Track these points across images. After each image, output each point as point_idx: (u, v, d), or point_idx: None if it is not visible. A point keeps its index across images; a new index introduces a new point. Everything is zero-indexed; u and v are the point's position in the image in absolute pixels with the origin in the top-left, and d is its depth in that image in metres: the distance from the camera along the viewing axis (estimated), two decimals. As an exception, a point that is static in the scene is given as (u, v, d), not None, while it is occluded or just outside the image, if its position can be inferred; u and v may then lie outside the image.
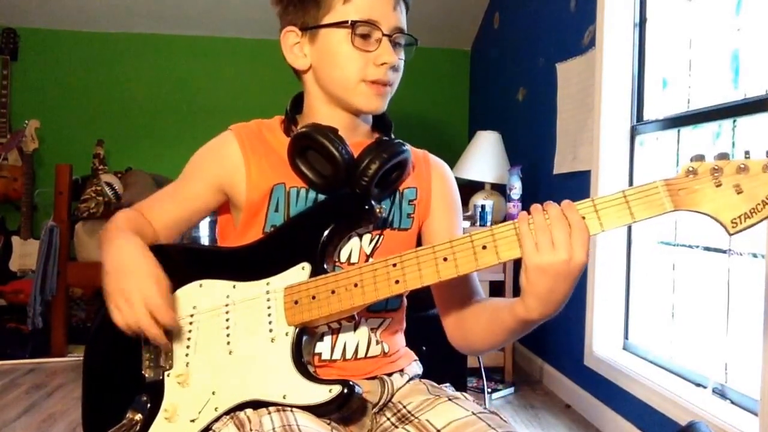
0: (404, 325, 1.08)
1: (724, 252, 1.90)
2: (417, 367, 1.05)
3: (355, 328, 0.96)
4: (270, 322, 0.90)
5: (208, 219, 1.63)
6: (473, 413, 0.87)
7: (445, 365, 1.13)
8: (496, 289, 2.92)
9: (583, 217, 0.78)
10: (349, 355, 0.96)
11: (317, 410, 0.85)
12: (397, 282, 0.84)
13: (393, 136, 1.03)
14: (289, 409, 0.85)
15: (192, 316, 0.94)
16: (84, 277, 3.25)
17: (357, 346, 0.97)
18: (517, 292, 0.84)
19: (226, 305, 0.93)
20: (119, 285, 0.89)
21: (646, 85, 2.43)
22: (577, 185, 2.66)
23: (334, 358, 0.95)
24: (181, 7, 4.15)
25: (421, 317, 1.08)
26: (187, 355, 0.93)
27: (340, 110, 1.00)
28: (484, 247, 0.81)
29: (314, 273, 0.90)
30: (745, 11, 1.92)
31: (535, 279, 0.79)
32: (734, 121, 1.92)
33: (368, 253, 0.98)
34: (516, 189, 2.97)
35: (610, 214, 0.77)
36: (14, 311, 3.61)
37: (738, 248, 1.85)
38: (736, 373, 1.87)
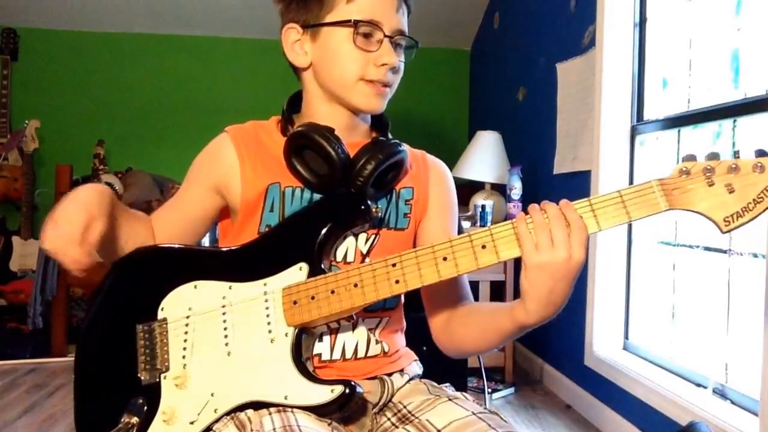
0: (404, 324, 1.08)
1: (725, 252, 1.90)
2: (417, 367, 1.05)
3: (354, 328, 0.96)
4: (269, 323, 0.90)
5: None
6: (473, 413, 0.87)
7: (445, 365, 1.13)
8: (497, 290, 2.92)
9: (581, 217, 0.78)
10: (348, 355, 0.96)
11: (319, 410, 0.85)
12: (397, 282, 0.84)
13: (390, 136, 1.03)
14: (289, 409, 0.85)
15: (188, 317, 0.94)
16: (84, 278, 3.24)
17: (356, 346, 0.96)
18: (517, 293, 0.84)
19: (223, 306, 0.92)
20: (54, 213, 0.87)
21: (646, 85, 2.43)
22: (578, 185, 2.66)
23: (333, 358, 0.95)
24: (181, 7, 4.15)
25: (421, 317, 1.08)
26: (183, 357, 0.92)
27: (339, 109, 1.00)
28: (484, 247, 0.81)
29: (312, 273, 0.89)
30: (745, 11, 1.92)
31: (535, 279, 0.79)
32: (734, 121, 1.92)
33: (364, 253, 0.98)
34: (516, 189, 2.97)
35: (606, 213, 0.78)
36: (15, 311, 3.61)
37: (738, 248, 1.84)
38: (736, 373, 1.87)
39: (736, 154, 0.75)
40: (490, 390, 2.73)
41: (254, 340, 0.90)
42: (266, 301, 0.90)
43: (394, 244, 0.99)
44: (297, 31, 1.00)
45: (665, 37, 2.33)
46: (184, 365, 0.92)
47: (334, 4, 0.96)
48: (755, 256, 1.77)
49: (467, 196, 3.19)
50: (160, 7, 4.15)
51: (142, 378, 0.93)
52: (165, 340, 0.93)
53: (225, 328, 0.92)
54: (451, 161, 3.16)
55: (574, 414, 2.59)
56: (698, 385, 1.99)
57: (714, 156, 0.76)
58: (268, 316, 0.90)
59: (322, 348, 0.95)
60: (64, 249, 0.84)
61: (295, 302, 0.89)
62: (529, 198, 2.97)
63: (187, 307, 0.94)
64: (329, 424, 0.87)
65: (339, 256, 0.97)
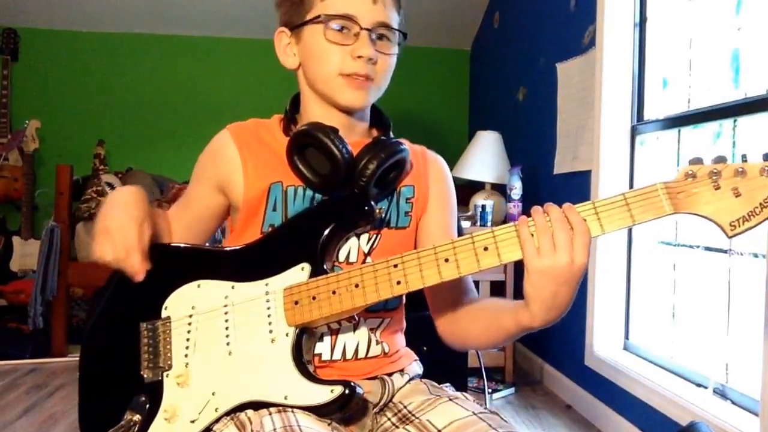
0: (404, 324, 1.08)
1: (725, 252, 1.90)
2: (417, 367, 1.05)
3: (355, 329, 0.96)
4: (270, 323, 0.90)
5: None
6: (474, 413, 0.87)
7: (445, 365, 1.13)
8: (497, 290, 2.92)
9: (584, 220, 0.78)
10: (349, 355, 0.96)
11: (319, 411, 0.85)
12: (398, 283, 0.84)
13: (392, 135, 1.03)
14: (290, 409, 0.85)
15: (191, 316, 0.94)
16: (85, 277, 3.24)
17: (357, 346, 0.96)
18: (518, 293, 0.84)
19: (225, 306, 0.93)
20: (104, 223, 0.91)
21: (646, 85, 2.43)
22: (578, 185, 2.66)
23: (334, 358, 0.95)
24: (181, 7, 4.15)
25: (421, 317, 1.08)
26: (186, 355, 0.93)
27: (332, 109, 1.00)
28: (486, 249, 0.81)
29: (314, 273, 0.90)
30: (745, 11, 1.92)
31: (538, 283, 0.79)
32: (735, 120, 1.92)
33: (366, 253, 0.98)
34: (516, 189, 2.97)
35: (610, 216, 0.78)
36: (15, 311, 3.62)
37: (739, 248, 1.84)
38: (736, 373, 1.87)
39: (743, 158, 0.74)
40: (490, 390, 2.73)
41: (255, 340, 0.90)
42: (267, 301, 0.90)
43: (395, 242, 0.99)
44: (286, 35, 1.02)
45: (665, 36, 2.33)
46: (186, 364, 0.92)
47: (312, 3, 0.97)
48: (756, 256, 1.78)
49: (467, 196, 3.19)
50: (160, 8, 4.15)
51: (145, 376, 0.94)
52: (168, 339, 0.94)
53: (227, 328, 0.92)
54: (452, 161, 3.16)
55: (575, 414, 2.59)
56: (699, 385, 1.98)
57: (721, 159, 0.75)
58: (269, 316, 0.90)
59: (322, 348, 0.95)
60: (126, 259, 0.89)
61: (296, 302, 0.89)
62: (529, 198, 2.97)
63: (190, 306, 0.94)
64: (329, 425, 0.87)
65: (341, 256, 0.97)
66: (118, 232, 0.90)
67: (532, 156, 3.22)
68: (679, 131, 2.20)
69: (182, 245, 1.00)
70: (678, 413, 1.90)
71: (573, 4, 2.81)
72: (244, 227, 0.99)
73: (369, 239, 0.98)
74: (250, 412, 0.88)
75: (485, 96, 4.37)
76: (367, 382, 0.95)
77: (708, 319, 2.01)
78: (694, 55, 2.17)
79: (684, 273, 2.17)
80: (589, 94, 2.59)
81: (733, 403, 1.83)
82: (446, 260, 0.82)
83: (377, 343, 0.98)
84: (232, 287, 0.93)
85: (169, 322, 0.94)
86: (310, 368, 0.90)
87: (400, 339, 1.06)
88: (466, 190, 3.23)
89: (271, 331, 0.89)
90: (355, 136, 1.02)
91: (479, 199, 3.07)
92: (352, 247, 0.97)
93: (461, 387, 1.06)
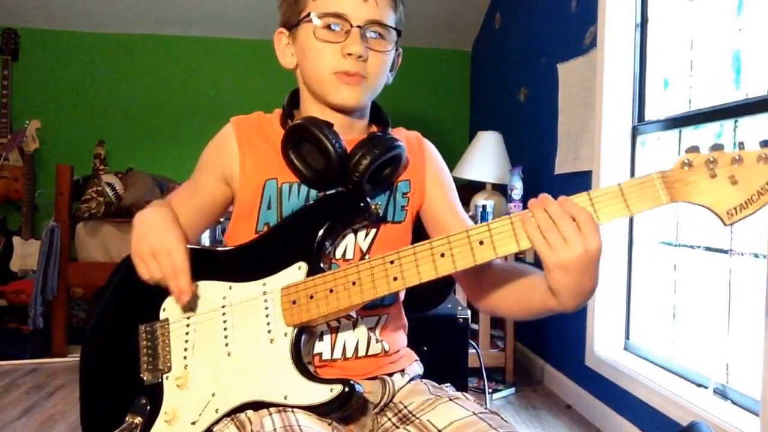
0: (405, 322, 1.08)
1: (726, 252, 1.90)
2: (418, 367, 1.05)
3: (354, 327, 0.96)
4: (268, 323, 0.90)
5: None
6: (474, 413, 0.87)
7: (445, 365, 1.13)
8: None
9: (583, 208, 0.78)
10: (349, 354, 0.96)
11: (319, 410, 0.85)
12: (395, 279, 0.84)
13: (390, 132, 1.03)
14: (290, 409, 0.85)
15: (189, 318, 0.94)
16: (85, 278, 3.24)
17: (357, 344, 0.96)
18: (538, 261, 0.84)
19: (223, 307, 0.92)
20: (148, 241, 0.92)
21: (647, 86, 2.43)
22: (579, 185, 2.66)
23: (334, 357, 0.95)
24: (181, 7, 4.15)
25: (422, 317, 1.08)
26: (185, 357, 0.93)
27: (329, 109, 1.00)
28: (481, 243, 0.81)
29: (311, 272, 0.89)
30: (746, 11, 1.92)
31: (560, 277, 0.80)
32: (736, 121, 1.91)
33: (364, 249, 0.98)
34: (517, 189, 2.97)
35: (606, 206, 0.77)
36: (15, 311, 3.62)
37: (739, 248, 1.84)
38: (737, 373, 1.87)
39: (740, 146, 0.73)
40: (490, 390, 2.73)
41: (254, 341, 0.90)
42: (265, 301, 0.90)
43: (393, 237, 0.99)
44: (284, 35, 1.03)
45: (666, 37, 2.33)
46: (186, 366, 0.92)
47: (305, 3, 0.97)
48: (756, 256, 1.77)
49: (468, 196, 3.19)
50: (160, 8, 4.15)
51: (145, 378, 0.94)
52: (167, 341, 0.94)
53: (225, 329, 0.92)
54: (452, 161, 3.16)
55: (575, 414, 2.59)
56: (699, 385, 1.98)
57: (718, 147, 0.74)
58: (267, 316, 0.90)
59: (322, 347, 0.95)
60: (176, 281, 0.90)
61: (294, 302, 0.88)
62: (530, 198, 2.96)
63: (189, 308, 0.94)
64: (330, 424, 0.87)
65: (338, 254, 0.97)
66: (166, 254, 0.90)
67: (532, 156, 3.22)
68: (680, 132, 2.20)
69: None
70: (678, 413, 1.90)
71: (574, 4, 2.81)
72: (239, 226, 0.99)
73: (367, 235, 0.98)
74: (250, 412, 0.88)
75: (486, 96, 4.37)
76: (368, 382, 0.95)
77: (708, 320, 2.00)
78: (695, 55, 2.16)
79: (684, 273, 2.17)
80: (590, 95, 2.59)
81: (734, 403, 1.83)
82: (442, 255, 0.82)
83: (377, 341, 0.98)
84: (230, 288, 0.93)
85: (168, 324, 0.95)
86: (310, 368, 0.90)
87: (401, 337, 1.06)
88: (467, 190, 3.23)
89: (269, 331, 0.89)
90: (354, 134, 1.02)
91: (480, 200, 3.06)
92: (349, 244, 0.97)
93: (461, 387, 1.06)
